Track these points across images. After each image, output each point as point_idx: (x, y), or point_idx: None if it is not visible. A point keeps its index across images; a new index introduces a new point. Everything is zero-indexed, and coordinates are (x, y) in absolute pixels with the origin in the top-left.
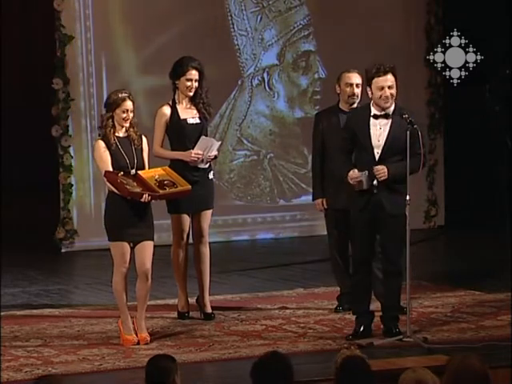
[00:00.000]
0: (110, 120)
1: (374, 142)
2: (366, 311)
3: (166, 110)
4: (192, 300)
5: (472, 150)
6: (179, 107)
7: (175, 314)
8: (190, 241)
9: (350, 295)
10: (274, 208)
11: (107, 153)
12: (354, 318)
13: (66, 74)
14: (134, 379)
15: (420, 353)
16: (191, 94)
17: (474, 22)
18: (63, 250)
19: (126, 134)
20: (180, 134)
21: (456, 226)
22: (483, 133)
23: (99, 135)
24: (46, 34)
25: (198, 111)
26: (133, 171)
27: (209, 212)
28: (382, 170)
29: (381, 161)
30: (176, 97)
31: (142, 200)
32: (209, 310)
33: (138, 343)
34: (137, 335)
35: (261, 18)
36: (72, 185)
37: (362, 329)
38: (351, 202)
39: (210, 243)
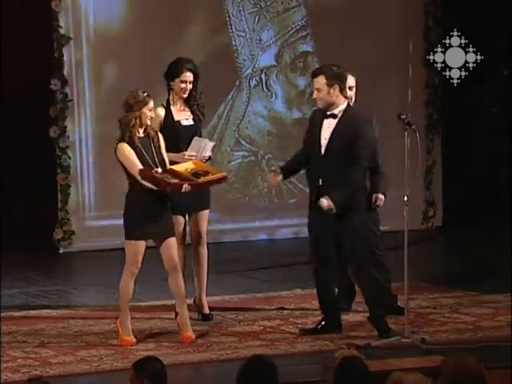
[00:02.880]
0: (138, 119)
1: (322, 140)
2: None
3: (161, 112)
4: (189, 301)
5: (470, 151)
6: (173, 109)
7: (173, 315)
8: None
9: (347, 296)
10: (271, 209)
11: (133, 153)
12: (351, 318)
13: (64, 74)
14: None
15: (418, 353)
16: (185, 95)
17: (474, 22)
18: (61, 251)
19: (144, 134)
20: (174, 136)
21: (454, 227)
22: (481, 133)
23: (123, 138)
24: (44, 35)
25: (192, 113)
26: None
27: (206, 212)
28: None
29: (325, 158)
30: (170, 98)
31: (183, 190)
32: (206, 310)
33: (133, 345)
34: (135, 336)
35: (259, 19)
36: (70, 186)
37: (320, 325)
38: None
39: (207, 244)
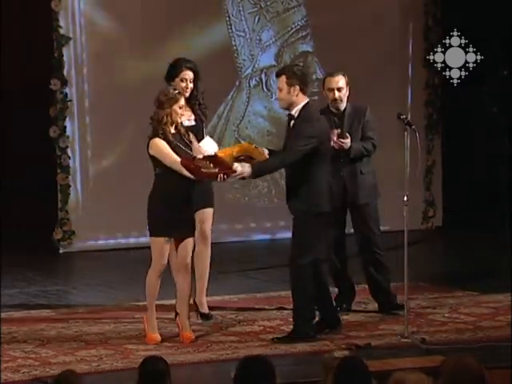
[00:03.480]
0: (169, 117)
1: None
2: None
3: None
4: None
5: (470, 151)
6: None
7: (173, 315)
8: None
9: (347, 295)
10: (271, 209)
11: (167, 146)
12: (351, 318)
13: (64, 74)
14: (132, 380)
15: (418, 353)
16: (187, 94)
17: (474, 21)
18: (61, 251)
19: (176, 130)
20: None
21: (454, 227)
22: (481, 133)
23: (156, 134)
24: (44, 35)
25: (194, 113)
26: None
27: (210, 211)
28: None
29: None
30: None
31: (218, 180)
32: (206, 309)
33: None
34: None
35: (259, 19)
36: (70, 185)
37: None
38: None
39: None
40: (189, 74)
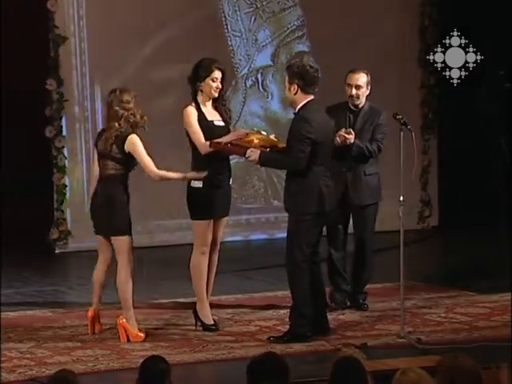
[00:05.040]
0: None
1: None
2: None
3: (193, 110)
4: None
5: (466, 151)
6: (204, 110)
7: (169, 315)
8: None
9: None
10: (268, 209)
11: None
12: (347, 318)
13: (60, 74)
14: (129, 380)
15: (414, 353)
16: (217, 94)
17: (474, 22)
18: (57, 251)
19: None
20: (209, 136)
21: (450, 227)
22: (477, 134)
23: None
24: (40, 35)
25: (221, 115)
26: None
27: (226, 219)
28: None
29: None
30: (199, 99)
31: (247, 156)
32: (210, 321)
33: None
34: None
35: (255, 19)
36: (66, 186)
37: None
38: None
39: None
40: (218, 74)
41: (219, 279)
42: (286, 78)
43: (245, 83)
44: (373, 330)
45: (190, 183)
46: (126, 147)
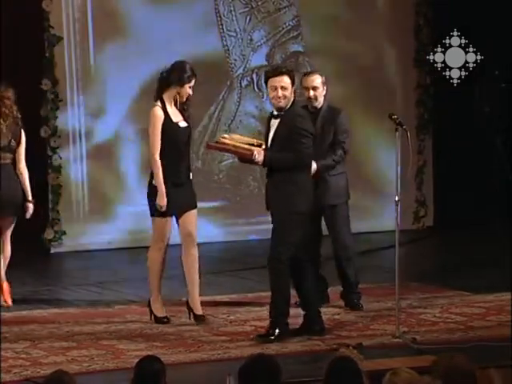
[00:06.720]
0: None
1: (269, 140)
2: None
3: (160, 112)
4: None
5: (461, 151)
6: (169, 110)
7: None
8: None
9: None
10: (262, 209)
11: None
12: (342, 318)
13: (55, 74)
14: (124, 380)
15: (409, 353)
16: (184, 100)
17: (474, 21)
18: (52, 251)
19: None
20: (174, 138)
21: (445, 227)
22: (472, 134)
23: None
24: (35, 35)
25: (183, 115)
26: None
27: (194, 212)
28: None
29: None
30: (165, 99)
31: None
32: (199, 311)
33: None
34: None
35: (250, 19)
36: (61, 185)
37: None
38: None
39: (198, 244)
40: (194, 81)
41: (213, 279)
42: (289, 82)
43: (240, 83)
44: (368, 329)
45: (151, 182)
46: None
